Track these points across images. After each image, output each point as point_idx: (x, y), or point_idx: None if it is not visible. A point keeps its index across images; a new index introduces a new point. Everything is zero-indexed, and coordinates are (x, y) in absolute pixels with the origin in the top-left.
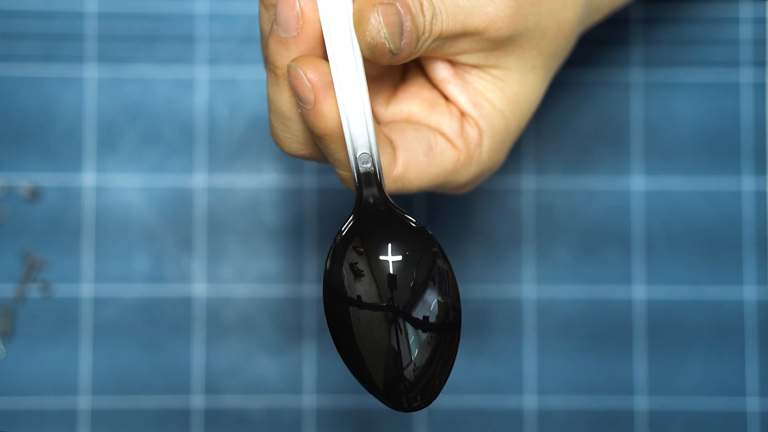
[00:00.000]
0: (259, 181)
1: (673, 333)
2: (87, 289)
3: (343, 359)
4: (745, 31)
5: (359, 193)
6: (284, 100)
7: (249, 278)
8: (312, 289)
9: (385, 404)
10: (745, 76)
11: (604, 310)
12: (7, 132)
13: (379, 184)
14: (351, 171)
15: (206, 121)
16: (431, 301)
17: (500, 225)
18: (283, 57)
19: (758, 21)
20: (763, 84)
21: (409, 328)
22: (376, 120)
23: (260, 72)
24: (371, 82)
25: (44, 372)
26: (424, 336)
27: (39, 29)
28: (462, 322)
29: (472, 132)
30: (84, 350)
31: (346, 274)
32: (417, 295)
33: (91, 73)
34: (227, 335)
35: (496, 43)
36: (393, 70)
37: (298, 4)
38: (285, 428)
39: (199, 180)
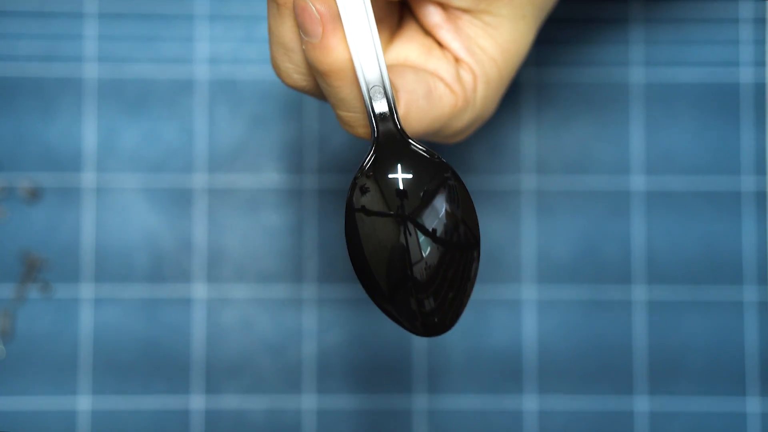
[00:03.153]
0: (259, 181)
1: (673, 333)
2: (87, 289)
3: (355, 271)
4: (745, 31)
5: (375, 129)
6: (287, 30)
7: (249, 278)
8: (312, 289)
9: (394, 318)
10: (745, 76)
11: (604, 311)
12: (7, 132)
13: (395, 118)
14: (365, 106)
15: (206, 121)
16: (440, 209)
17: (500, 225)
18: None
19: (758, 21)
20: (764, 84)
21: (419, 233)
22: None
23: (260, 72)
24: None
25: (44, 372)
26: (434, 243)
27: (39, 29)
28: (480, 246)
29: (467, 77)
30: (84, 350)
31: (361, 193)
32: (426, 203)
33: (91, 73)
34: (227, 335)
35: None
36: (390, 14)
37: None
38: (285, 428)
39: (199, 180)
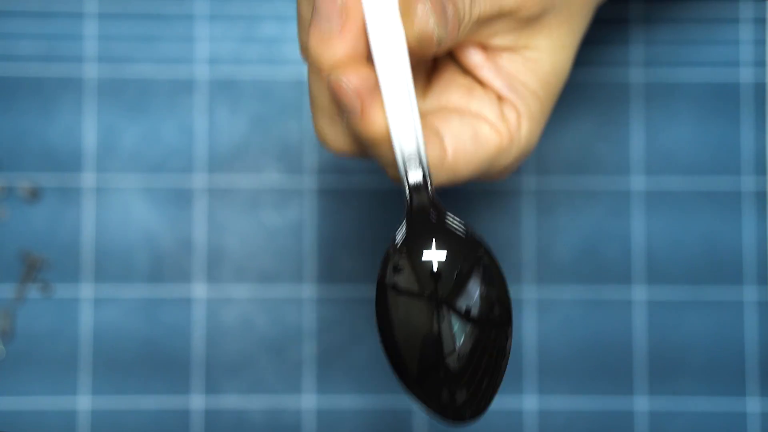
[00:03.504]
0: (259, 181)
1: (673, 333)
2: (87, 289)
3: (385, 353)
4: (745, 31)
5: (409, 200)
6: (329, 96)
7: (249, 278)
8: (312, 289)
9: (423, 404)
10: (745, 76)
11: (604, 311)
12: (7, 132)
13: (429, 190)
14: (400, 176)
15: (206, 121)
16: (474, 292)
17: (500, 225)
18: (325, 53)
19: (758, 21)
20: (764, 84)
21: (453, 317)
22: None
23: (260, 72)
24: None
25: (44, 372)
26: (468, 326)
27: (39, 29)
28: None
29: (511, 115)
30: (84, 350)
31: (394, 272)
32: (461, 286)
33: (91, 73)
34: (227, 335)
35: (528, 22)
36: (425, 60)
37: None
38: (285, 428)
39: (199, 180)
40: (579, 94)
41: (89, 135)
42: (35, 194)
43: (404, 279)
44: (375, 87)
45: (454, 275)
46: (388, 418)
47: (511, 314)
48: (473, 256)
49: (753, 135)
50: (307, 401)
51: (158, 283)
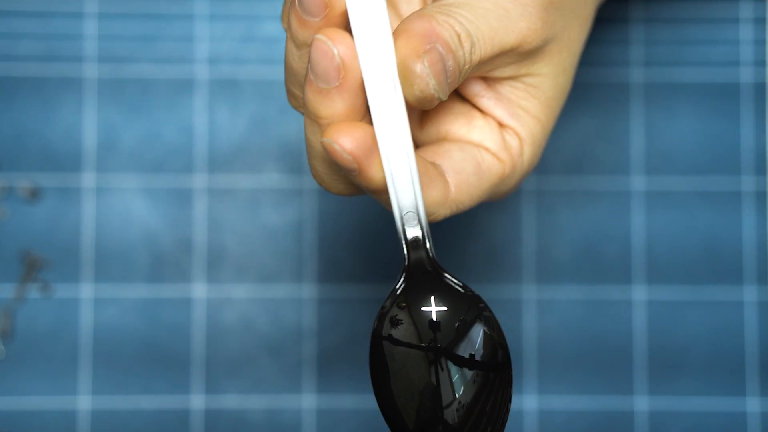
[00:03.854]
0: (259, 181)
1: (673, 333)
2: (87, 289)
3: (379, 405)
4: (745, 31)
5: (407, 256)
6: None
7: (249, 278)
8: (312, 289)
9: None
10: (745, 76)
11: (604, 310)
12: (7, 132)
13: (426, 247)
14: (398, 231)
15: (206, 121)
16: (476, 337)
17: (500, 225)
18: (323, 107)
19: (758, 21)
20: (764, 84)
21: (452, 366)
22: (414, 145)
23: (260, 72)
24: None
25: (44, 372)
26: (469, 374)
27: (39, 29)
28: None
29: (513, 142)
30: (84, 350)
31: (391, 325)
32: (461, 334)
33: (91, 73)
34: (227, 335)
35: (529, 54)
36: None
37: (337, 54)
38: (285, 428)
39: (199, 180)
40: (579, 94)
41: (89, 134)
42: (35, 194)
43: (403, 331)
44: (372, 145)
45: (453, 328)
46: None
47: (510, 360)
48: (474, 307)
49: (753, 135)
50: (307, 401)
51: (158, 282)
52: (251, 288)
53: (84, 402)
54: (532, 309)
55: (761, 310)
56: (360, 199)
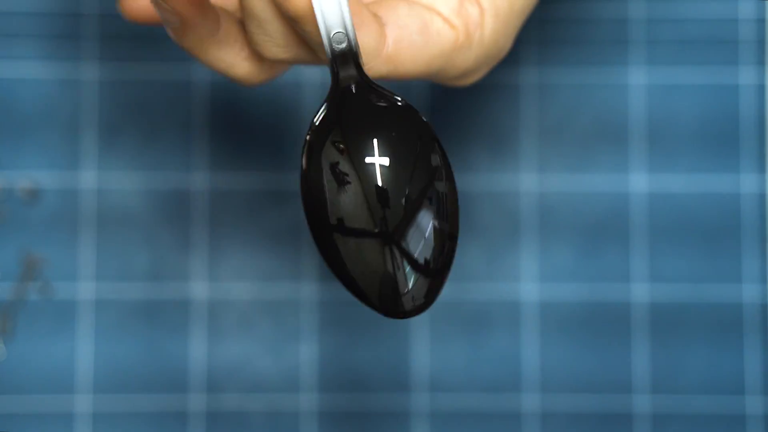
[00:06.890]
0: (259, 181)
1: (673, 332)
2: (86, 289)
3: (334, 273)
4: (745, 31)
5: (335, 76)
6: (256, 1)
7: (249, 278)
8: (312, 289)
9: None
10: (745, 76)
11: (605, 310)
12: (7, 132)
13: (357, 63)
14: (326, 54)
15: (206, 120)
16: (426, 225)
17: (500, 225)
18: None
19: (758, 21)
20: (763, 84)
21: (405, 263)
22: None
23: None
24: None
25: (44, 372)
26: (419, 271)
27: (39, 29)
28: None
29: (472, 10)
30: (83, 350)
31: (327, 179)
32: (410, 218)
33: (91, 73)
34: (227, 335)
35: None
36: None
37: None
38: (285, 428)
39: (199, 180)
40: (579, 94)
41: (89, 135)
42: (34, 194)
43: (349, 202)
44: None
45: (402, 201)
46: (388, 418)
47: (458, 230)
48: (420, 144)
49: (753, 135)
50: (307, 402)
51: (158, 282)
52: (251, 288)
53: (83, 402)
54: (533, 309)
55: (761, 311)
56: None
